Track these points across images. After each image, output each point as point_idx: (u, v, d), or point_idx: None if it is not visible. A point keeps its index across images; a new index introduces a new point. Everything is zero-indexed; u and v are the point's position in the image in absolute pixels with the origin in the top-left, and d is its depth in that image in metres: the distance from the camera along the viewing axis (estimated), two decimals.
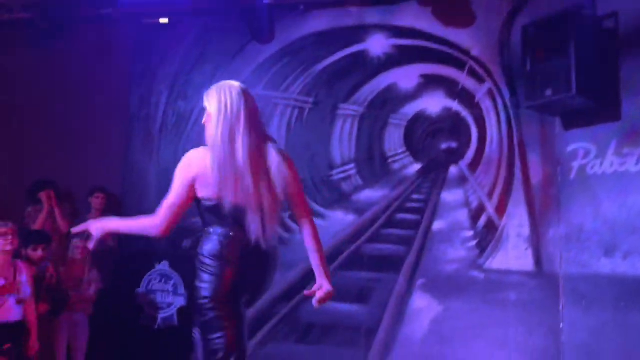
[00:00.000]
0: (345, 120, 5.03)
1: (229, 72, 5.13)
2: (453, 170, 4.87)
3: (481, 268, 4.61)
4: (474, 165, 4.80)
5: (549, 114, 4.50)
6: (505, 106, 4.73)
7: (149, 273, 4.91)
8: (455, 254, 4.69)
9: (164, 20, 5.22)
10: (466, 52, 4.79)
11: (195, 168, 2.26)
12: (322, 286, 2.44)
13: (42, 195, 4.96)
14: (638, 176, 4.09)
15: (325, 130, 5.03)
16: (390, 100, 4.99)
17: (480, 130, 4.80)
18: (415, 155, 4.96)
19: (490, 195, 4.73)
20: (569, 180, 4.45)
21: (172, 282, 4.86)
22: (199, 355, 2.33)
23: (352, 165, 5.00)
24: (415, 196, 4.90)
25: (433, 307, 4.62)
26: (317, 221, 4.96)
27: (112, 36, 5.37)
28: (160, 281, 4.88)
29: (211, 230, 2.30)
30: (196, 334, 2.33)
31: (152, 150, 5.11)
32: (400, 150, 4.98)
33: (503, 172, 4.71)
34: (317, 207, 4.94)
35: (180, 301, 4.79)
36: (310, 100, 5.07)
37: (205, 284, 2.27)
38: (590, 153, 4.35)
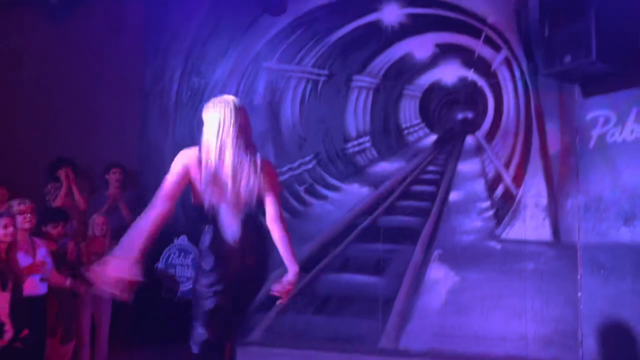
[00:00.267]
0: (359, 92, 4.99)
1: (242, 46, 5.10)
2: (469, 140, 4.82)
3: (498, 238, 4.60)
4: (490, 135, 4.75)
5: (568, 81, 4.41)
6: (523, 74, 4.65)
7: (168, 248, 4.98)
8: (471, 224, 4.68)
9: None
10: (482, 20, 4.69)
11: (187, 159, 2.57)
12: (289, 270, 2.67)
13: (60, 173, 5.03)
14: None
15: (339, 102, 4.99)
16: (405, 70, 4.92)
17: (496, 99, 4.73)
18: (431, 127, 4.92)
19: (507, 165, 4.69)
20: (587, 148, 4.38)
21: (190, 257, 4.94)
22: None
23: (367, 138, 4.97)
24: (431, 168, 4.88)
25: (450, 277, 4.63)
26: (333, 194, 5.03)
27: (125, 13, 5.35)
28: (179, 256, 4.96)
29: (206, 227, 2.62)
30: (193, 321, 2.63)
31: (167, 126, 5.13)
32: (415, 122, 4.93)
33: (520, 142, 4.66)
34: (332, 181, 4.94)
35: None
36: (324, 72, 5.02)
37: (199, 272, 2.63)
38: (610, 121, 4.27)
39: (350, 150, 4.97)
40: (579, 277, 4.38)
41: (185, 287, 4.85)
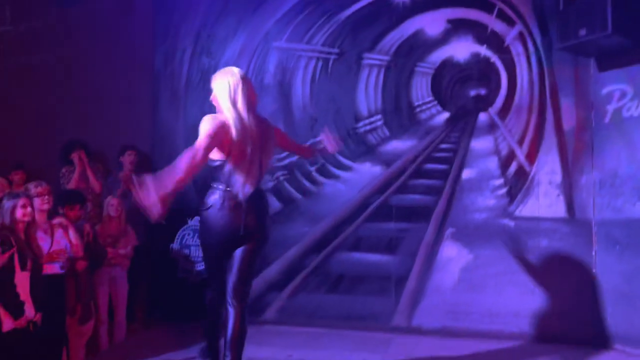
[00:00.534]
0: (370, 70, 4.94)
1: (252, 25, 5.06)
2: (482, 117, 4.77)
3: (511, 216, 4.58)
4: (504, 111, 4.70)
5: (583, 55, 4.33)
6: (537, 49, 4.57)
7: (182, 229, 5.03)
8: (484, 202, 4.66)
9: None
10: None
11: (216, 120, 2.82)
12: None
13: (74, 156, 5.07)
14: None
15: (350, 81, 4.96)
16: (416, 47, 4.86)
17: (510, 75, 4.67)
18: (443, 104, 4.87)
19: (520, 142, 4.64)
20: (603, 124, 4.32)
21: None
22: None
23: (378, 117, 4.94)
24: (443, 146, 4.84)
25: (463, 255, 4.63)
26: (345, 173, 5.02)
27: None
28: (193, 236, 5.01)
29: (214, 185, 2.92)
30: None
31: (178, 107, 5.13)
32: (427, 99, 4.89)
33: (534, 118, 4.60)
34: (344, 160, 4.93)
35: None
36: (335, 50, 4.98)
37: (205, 228, 2.97)
38: (627, 95, 4.20)
39: (362, 129, 4.95)
40: (593, 253, 4.36)
41: (200, 267, 4.91)
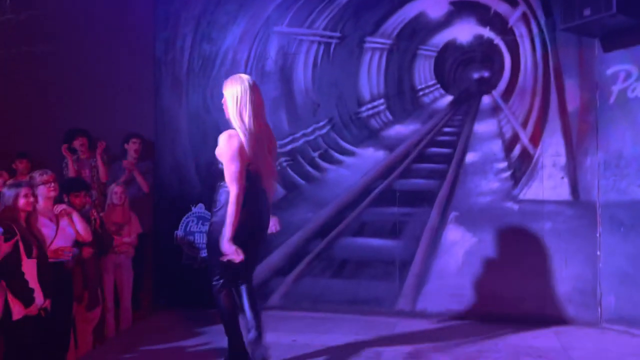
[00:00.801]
0: (373, 53, 4.90)
1: (252, 10, 5.01)
2: (486, 100, 4.74)
3: (515, 199, 4.57)
4: (507, 94, 4.66)
5: (588, 35, 4.29)
6: (541, 30, 4.52)
7: (187, 216, 5.04)
8: (488, 185, 4.64)
9: None
10: None
11: (236, 139, 3.08)
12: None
13: (76, 144, 5.08)
14: None
15: (352, 65, 4.92)
16: (418, 30, 4.82)
17: (513, 57, 4.63)
18: (446, 87, 4.83)
19: (524, 124, 4.61)
20: (607, 105, 4.29)
21: (208, 224, 4.98)
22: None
23: (381, 101, 4.91)
24: (447, 129, 4.82)
25: (467, 239, 4.63)
26: (348, 159, 5.00)
27: None
28: (197, 223, 5.02)
29: (225, 184, 3.11)
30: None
31: (180, 94, 5.11)
32: (430, 83, 4.85)
33: (538, 100, 4.57)
34: (346, 145, 4.91)
35: None
36: (336, 34, 4.94)
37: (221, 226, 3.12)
38: (632, 75, 4.16)
39: (365, 114, 4.92)
40: (598, 235, 4.35)
41: (204, 253, 4.93)
